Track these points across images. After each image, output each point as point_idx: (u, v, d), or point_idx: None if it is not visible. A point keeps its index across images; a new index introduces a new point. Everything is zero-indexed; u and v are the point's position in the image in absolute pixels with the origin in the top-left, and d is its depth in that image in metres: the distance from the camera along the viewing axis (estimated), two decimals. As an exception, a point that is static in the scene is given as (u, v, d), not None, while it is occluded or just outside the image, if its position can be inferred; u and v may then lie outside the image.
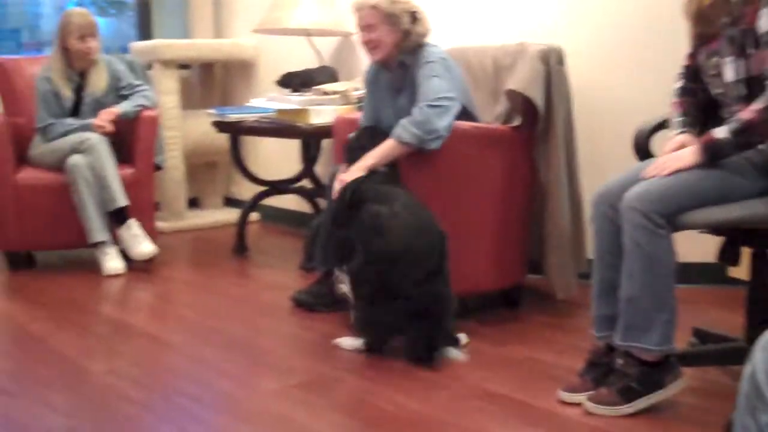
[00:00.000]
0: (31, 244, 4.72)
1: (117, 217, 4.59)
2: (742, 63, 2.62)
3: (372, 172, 3.38)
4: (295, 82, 5.02)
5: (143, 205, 4.75)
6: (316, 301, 3.82)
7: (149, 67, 5.56)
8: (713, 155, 2.61)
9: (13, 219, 4.61)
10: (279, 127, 4.67)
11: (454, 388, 2.93)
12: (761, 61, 2.55)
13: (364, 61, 4.90)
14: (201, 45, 5.97)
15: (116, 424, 2.68)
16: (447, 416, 2.69)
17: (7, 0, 6.73)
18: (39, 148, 4.75)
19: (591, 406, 2.68)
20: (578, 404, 2.72)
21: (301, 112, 4.51)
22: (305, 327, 3.65)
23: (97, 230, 4.54)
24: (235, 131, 4.98)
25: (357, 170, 3.39)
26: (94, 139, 4.58)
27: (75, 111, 4.79)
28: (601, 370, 2.77)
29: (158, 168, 5.04)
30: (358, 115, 3.91)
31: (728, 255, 2.82)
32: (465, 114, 3.55)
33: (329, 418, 2.73)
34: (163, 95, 5.61)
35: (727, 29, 2.64)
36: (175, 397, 2.89)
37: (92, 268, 4.60)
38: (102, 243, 4.57)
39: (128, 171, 4.73)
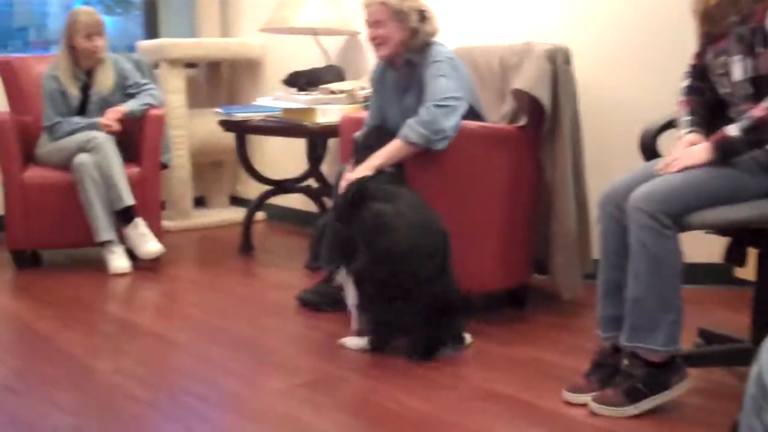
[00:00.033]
0: (37, 243, 4.73)
1: (124, 216, 4.59)
2: (750, 61, 2.61)
3: (378, 172, 3.38)
4: (301, 81, 5.02)
5: (150, 204, 4.76)
6: (321, 301, 3.83)
7: (156, 65, 5.56)
8: (725, 153, 2.61)
9: (20, 218, 4.62)
10: (285, 126, 4.67)
11: (459, 388, 2.94)
12: (770, 59, 2.56)
13: (370, 60, 4.91)
14: (208, 44, 5.97)
15: (122, 422, 2.69)
16: (452, 416, 2.69)
17: (14, -1, 6.74)
18: (46, 146, 4.76)
19: (596, 406, 2.68)
20: (583, 405, 2.72)
21: (307, 111, 4.51)
22: (311, 326, 3.66)
23: (104, 229, 4.55)
24: (242, 130, 4.99)
25: (364, 170, 3.39)
26: (101, 138, 4.59)
27: (82, 110, 4.79)
28: (606, 371, 2.76)
29: (164, 167, 5.04)
30: (364, 115, 3.91)
31: (734, 255, 2.82)
32: (471, 113, 3.55)
33: (334, 417, 2.73)
34: (170, 94, 5.61)
35: (736, 27, 2.63)
36: (181, 396, 2.90)
37: (98, 266, 4.60)
38: (109, 242, 4.57)
39: (134, 170, 4.73)
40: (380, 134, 3.56)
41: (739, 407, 1.62)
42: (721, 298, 3.93)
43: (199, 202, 6.23)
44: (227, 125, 4.98)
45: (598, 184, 3.24)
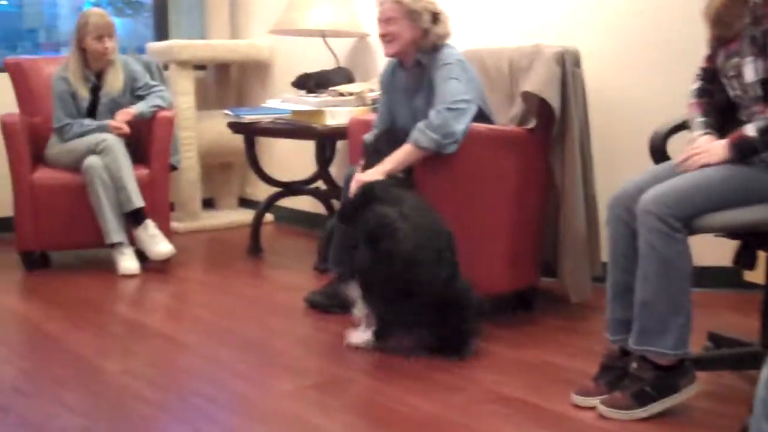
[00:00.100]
0: (46, 244, 4.74)
1: (134, 218, 4.60)
2: (762, 63, 2.61)
3: (389, 177, 3.38)
4: (310, 83, 5.02)
5: (158, 206, 4.77)
6: (329, 302, 3.83)
7: (165, 67, 5.57)
8: (743, 152, 2.61)
9: (29, 219, 4.63)
10: (294, 128, 4.67)
11: (468, 390, 2.93)
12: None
13: (379, 62, 4.91)
14: (217, 46, 5.98)
15: (131, 424, 2.69)
16: (460, 418, 2.69)
17: (24, 0, 6.76)
18: (55, 148, 4.77)
19: (605, 409, 2.67)
20: (592, 408, 2.71)
21: (316, 113, 4.51)
22: (319, 328, 3.66)
23: (114, 231, 4.56)
24: (251, 132, 4.99)
25: (375, 174, 3.39)
26: (111, 140, 4.60)
27: (91, 111, 4.80)
28: (615, 374, 2.76)
29: (173, 168, 5.05)
30: (373, 117, 3.92)
31: (744, 259, 2.82)
32: (480, 116, 3.55)
33: (343, 418, 2.73)
34: (179, 96, 5.62)
35: (748, 29, 2.63)
36: (190, 398, 2.90)
37: (108, 268, 4.61)
38: (119, 244, 4.58)
39: (144, 171, 4.74)
40: (390, 137, 3.57)
41: (749, 411, 1.62)
42: (730, 301, 3.92)
43: (208, 203, 6.24)
44: (236, 127, 4.99)
45: (607, 187, 3.24)
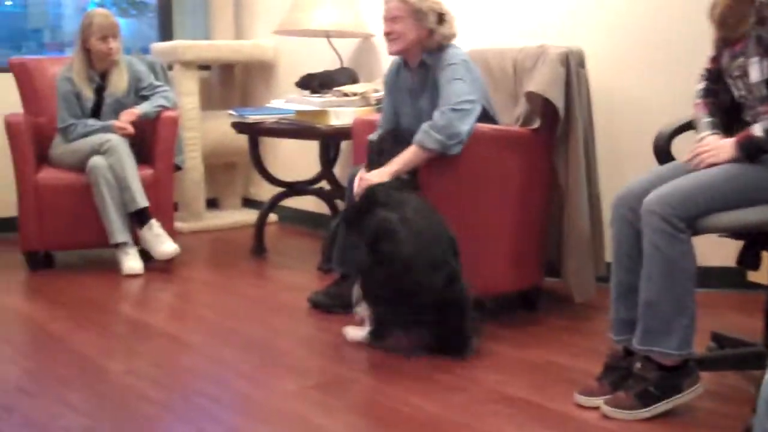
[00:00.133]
0: (50, 244, 4.74)
1: (138, 218, 4.61)
2: (767, 63, 2.61)
3: (394, 178, 3.39)
4: (314, 83, 5.03)
5: (162, 206, 4.77)
6: (333, 303, 3.83)
7: (170, 67, 5.58)
8: (749, 152, 2.61)
9: (33, 219, 4.63)
10: (298, 129, 4.68)
11: (471, 390, 2.93)
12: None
13: (383, 62, 4.91)
14: (221, 46, 5.99)
15: (135, 423, 2.69)
16: (463, 419, 2.69)
17: (29, 1, 6.77)
18: (60, 148, 4.77)
19: (608, 409, 2.67)
20: (595, 408, 2.71)
21: (320, 114, 4.51)
22: (322, 328, 3.66)
23: (118, 231, 4.56)
24: (255, 132, 5.00)
25: (381, 175, 3.39)
26: (115, 140, 4.60)
27: (96, 111, 4.81)
28: (618, 374, 2.76)
29: (178, 168, 5.06)
30: (377, 117, 3.92)
31: (748, 259, 2.81)
32: (484, 116, 3.55)
33: (345, 419, 2.73)
34: (183, 96, 5.63)
35: (753, 29, 2.63)
36: (193, 398, 2.91)
37: (111, 267, 4.62)
38: (123, 243, 4.59)
39: (148, 171, 4.75)
40: (394, 138, 3.57)
41: (752, 411, 1.62)
42: (734, 301, 3.92)
43: (212, 203, 6.24)
44: (240, 127, 4.99)
45: (611, 187, 3.24)
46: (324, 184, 5.13)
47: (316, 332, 3.65)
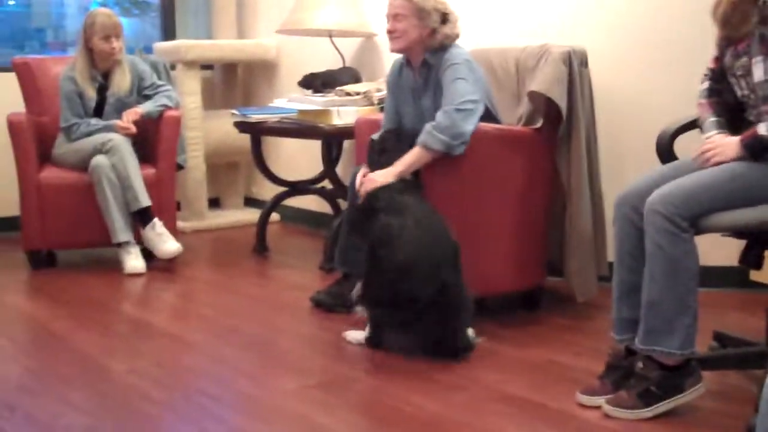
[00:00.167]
0: (53, 243, 4.75)
1: (141, 217, 4.61)
2: None
3: (399, 180, 3.39)
4: (317, 82, 5.03)
5: (165, 205, 4.77)
6: (335, 302, 3.83)
7: (173, 67, 5.58)
8: (754, 151, 2.60)
9: (36, 218, 4.64)
10: (300, 128, 4.67)
11: (472, 389, 2.93)
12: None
13: (386, 62, 4.91)
14: (224, 45, 5.99)
15: (137, 422, 2.69)
16: (465, 417, 2.69)
17: (32, 0, 6.77)
18: (62, 147, 4.78)
19: (610, 409, 2.67)
20: (597, 407, 2.71)
21: (322, 113, 4.51)
22: (324, 327, 3.66)
23: (121, 230, 4.57)
24: (257, 131, 4.99)
25: (386, 176, 3.39)
26: (117, 139, 4.61)
27: (98, 111, 4.81)
28: (620, 373, 2.76)
29: (180, 168, 5.06)
30: (380, 116, 3.92)
31: (751, 258, 2.81)
32: (487, 115, 3.55)
33: (347, 418, 2.73)
34: (186, 95, 5.63)
35: (757, 28, 2.63)
36: (195, 397, 2.91)
37: (113, 267, 4.62)
38: (125, 243, 4.59)
39: (150, 171, 4.75)
40: (396, 137, 3.57)
41: (754, 410, 1.62)
42: (736, 301, 3.92)
43: (214, 203, 6.24)
44: (242, 126, 4.99)
45: (614, 186, 3.24)
46: (326, 184, 5.14)
47: (317, 331, 3.65)
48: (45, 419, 2.70)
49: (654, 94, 4.06)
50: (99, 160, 4.56)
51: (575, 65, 3.62)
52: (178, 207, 5.44)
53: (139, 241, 4.65)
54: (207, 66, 6.19)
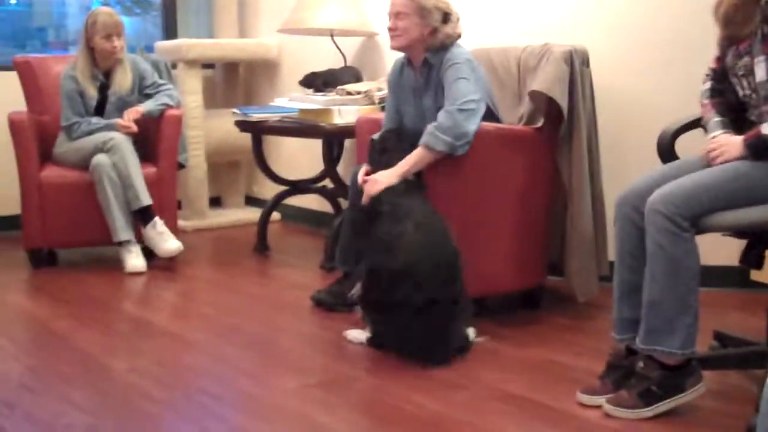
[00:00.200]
0: (53, 242, 4.75)
1: (142, 216, 4.61)
2: None
3: (402, 181, 3.38)
4: (318, 82, 5.03)
5: (166, 204, 4.78)
6: (335, 301, 3.83)
7: (174, 66, 5.58)
8: (757, 151, 2.60)
9: (37, 217, 4.64)
10: (302, 127, 4.67)
11: (473, 388, 2.93)
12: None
13: (387, 61, 4.91)
14: (225, 44, 5.99)
15: (137, 421, 2.70)
16: (465, 417, 2.69)
17: (33, -1, 6.78)
18: (63, 146, 4.78)
19: (610, 408, 2.67)
20: (598, 407, 2.71)
21: (323, 112, 4.51)
22: (325, 326, 3.66)
23: (122, 229, 4.57)
24: (258, 131, 4.99)
25: (390, 177, 3.39)
26: (118, 138, 4.61)
27: (100, 110, 4.82)
28: (621, 373, 2.76)
29: (181, 167, 5.06)
30: (381, 116, 3.92)
31: (751, 258, 2.81)
32: (488, 114, 3.55)
33: (347, 417, 2.73)
34: (187, 94, 5.63)
35: (759, 28, 2.63)
36: (196, 396, 2.91)
37: (114, 265, 4.62)
38: (126, 242, 4.59)
39: (151, 170, 4.75)
40: (397, 137, 3.57)
41: (755, 410, 1.62)
42: (736, 300, 3.92)
43: (215, 202, 6.25)
44: (243, 126, 4.99)
45: (615, 186, 3.24)
46: (327, 183, 5.14)
47: (318, 330, 3.65)
48: (46, 418, 2.70)
49: (655, 94, 4.06)
50: (100, 158, 4.56)
51: (577, 65, 3.62)
52: (179, 206, 5.44)
53: (140, 239, 4.65)
54: (208, 65, 6.19)
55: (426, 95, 3.64)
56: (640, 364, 2.69)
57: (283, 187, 5.20)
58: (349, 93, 4.62)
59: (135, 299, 4.26)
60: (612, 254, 2.93)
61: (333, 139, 4.87)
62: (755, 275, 3.97)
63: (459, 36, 3.61)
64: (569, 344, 3.38)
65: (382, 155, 3.52)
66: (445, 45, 3.57)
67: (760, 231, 2.68)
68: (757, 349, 2.94)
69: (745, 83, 2.74)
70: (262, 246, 5.10)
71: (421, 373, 3.07)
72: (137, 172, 4.59)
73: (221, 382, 3.03)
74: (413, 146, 3.44)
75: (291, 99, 4.88)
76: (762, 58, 2.63)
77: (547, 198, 3.74)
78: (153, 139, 4.86)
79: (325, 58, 5.43)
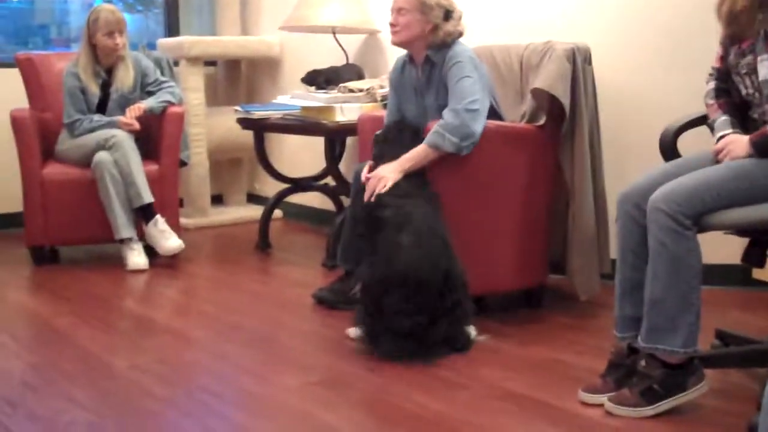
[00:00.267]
0: (55, 240, 4.75)
1: (144, 214, 4.61)
2: None
3: (406, 181, 3.38)
4: (320, 79, 5.03)
5: (168, 201, 4.78)
6: (337, 299, 3.83)
7: (176, 63, 5.58)
8: (764, 150, 2.60)
9: (39, 214, 4.64)
10: (304, 125, 4.67)
11: (475, 387, 2.93)
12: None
13: (389, 58, 4.91)
14: (227, 42, 5.98)
15: (139, 419, 2.70)
16: (467, 415, 2.69)
17: (35, -4, 6.78)
18: (65, 143, 4.78)
19: (612, 407, 2.67)
20: (599, 405, 2.71)
21: (326, 110, 4.51)
22: (326, 324, 3.66)
23: (124, 227, 4.57)
24: (260, 128, 4.99)
25: (392, 172, 3.38)
26: (120, 135, 4.61)
27: (102, 107, 4.82)
28: (623, 371, 2.75)
29: (183, 164, 5.06)
30: (383, 113, 3.91)
31: (753, 256, 2.81)
32: (490, 112, 3.54)
33: (349, 415, 2.73)
34: (189, 92, 5.63)
35: (763, 26, 2.62)
36: (197, 393, 2.91)
37: (116, 263, 4.62)
38: (128, 239, 4.59)
39: (153, 167, 4.76)
40: (401, 128, 3.56)
41: (756, 408, 1.62)
42: (738, 299, 3.91)
43: (217, 199, 6.24)
44: (245, 123, 4.99)
45: (617, 184, 3.23)
46: (329, 181, 5.13)
47: (320, 328, 3.65)
48: (47, 415, 2.70)
49: (657, 92, 4.05)
50: (102, 156, 4.56)
51: (579, 62, 3.62)
52: (181, 203, 5.45)
53: (142, 237, 4.65)
54: (210, 62, 6.19)
55: (428, 93, 3.63)
56: (642, 362, 2.68)
57: (285, 185, 5.20)
58: (351, 90, 4.62)
59: (137, 297, 4.26)
60: (614, 252, 2.93)
61: (335, 137, 4.87)
62: (757, 273, 3.97)
63: (461, 34, 3.61)
64: (571, 343, 3.38)
65: (384, 145, 3.51)
66: (447, 42, 3.56)
67: (762, 229, 2.67)
68: (759, 347, 2.94)
69: (748, 82, 2.73)
70: (263, 244, 5.10)
71: (423, 372, 3.07)
72: (139, 170, 4.59)
73: (222, 380, 3.03)
74: (415, 137, 3.44)
75: (293, 96, 4.88)
76: (765, 56, 2.63)
77: (549, 196, 3.74)
78: (155, 137, 4.86)
79: (327, 55, 5.42)
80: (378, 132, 3.64)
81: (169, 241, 4.60)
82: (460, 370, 3.09)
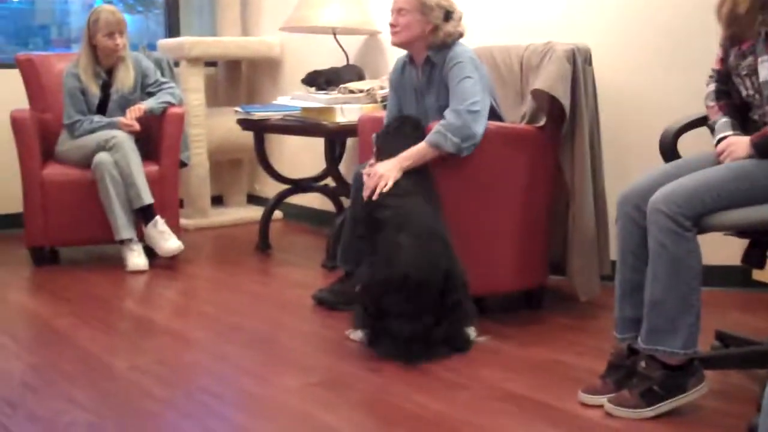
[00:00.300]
0: (56, 240, 4.75)
1: (144, 215, 4.61)
2: None
3: (407, 179, 3.38)
4: (320, 80, 5.02)
5: (168, 202, 4.78)
6: (337, 300, 3.83)
7: (176, 64, 5.58)
8: (764, 151, 2.60)
9: (39, 215, 4.64)
10: (304, 126, 4.67)
11: (475, 388, 2.93)
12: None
13: (390, 59, 4.91)
14: (227, 42, 5.98)
15: (139, 420, 2.69)
16: (467, 416, 2.69)
17: (36, -3, 6.78)
18: (65, 144, 4.78)
19: (612, 408, 2.67)
20: (599, 406, 2.71)
21: (326, 111, 4.51)
22: (326, 325, 3.66)
23: (124, 227, 4.57)
24: (260, 129, 4.99)
25: (392, 169, 3.38)
26: (120, 136, 4.61)
27: (102, 108, 4.82)
28: (622, 373, 2.75)
29: (183, 165, 5.06)
30: (383, 114, 3.91)
31: (753, 257, 2.81)
32: (491, 113, 3.54)
33: (349, 416, 2.73)
34: (189, 93, 5.63)
35: (763, 27, 2.62)
36: (197, 394, 2.91)
37: (116, 264, 4.62)
38: (128, 240, 4.59)
39: (153, 168, 4.75)
40: (400, 123, 3.56)
41: (756, 410, 1.62)
42: (738, 300, 3.91)
43: (217, 200, 6.24)
44: (246, 124, 4.99)
45: (617, 185, 3.23)
46: (329, 182, 5.13)
47: (320, 329, 3.65)
48: (47, 416, 2.70)
49: (657, 92, 4.05)
50: (102, 157, 4.56)
51: (579, 63, 3.62)
52: (181, 204, 5.45)
53: (142, 238, 4.65)
54: (211, 63, 6.19)
55: (428, 94, 3.63)
56: (642, 363, 2.68)
57: (285, 186, 5.20)
58: (351, 91, 4.62)
59: (137, 298, 4.26)
60: (614, 253, 2.93)
61: (335, 138, 4.87)
62: (757, 275, 3.97)
63: (461, 35, 3.61)
64: (571, 344, 3.38)
65: (385, 139, 3.51)
66: (447, 43, 3.57)
67: (762, 230, 2.67)
68: (759, 348, 2.94)
69: (748, 83, 2.73)
70: (263, 244, 5.10)
71: (423, 373, 3.07)
72: (139, 171, 4.59)
73: (222, 381, 3.03)
74: (416, 131, 3.44)
75: (293, 97, 4.87)
76: (766, 57, 2.63)
77: (549, 197, 3.74)
78: (155, 137, 4.86)
79: (327, 56, 5.42)
80: (377, 132, 3.64)
81: (169, 243, 4.60)
82: (460, 370, 3.09)
